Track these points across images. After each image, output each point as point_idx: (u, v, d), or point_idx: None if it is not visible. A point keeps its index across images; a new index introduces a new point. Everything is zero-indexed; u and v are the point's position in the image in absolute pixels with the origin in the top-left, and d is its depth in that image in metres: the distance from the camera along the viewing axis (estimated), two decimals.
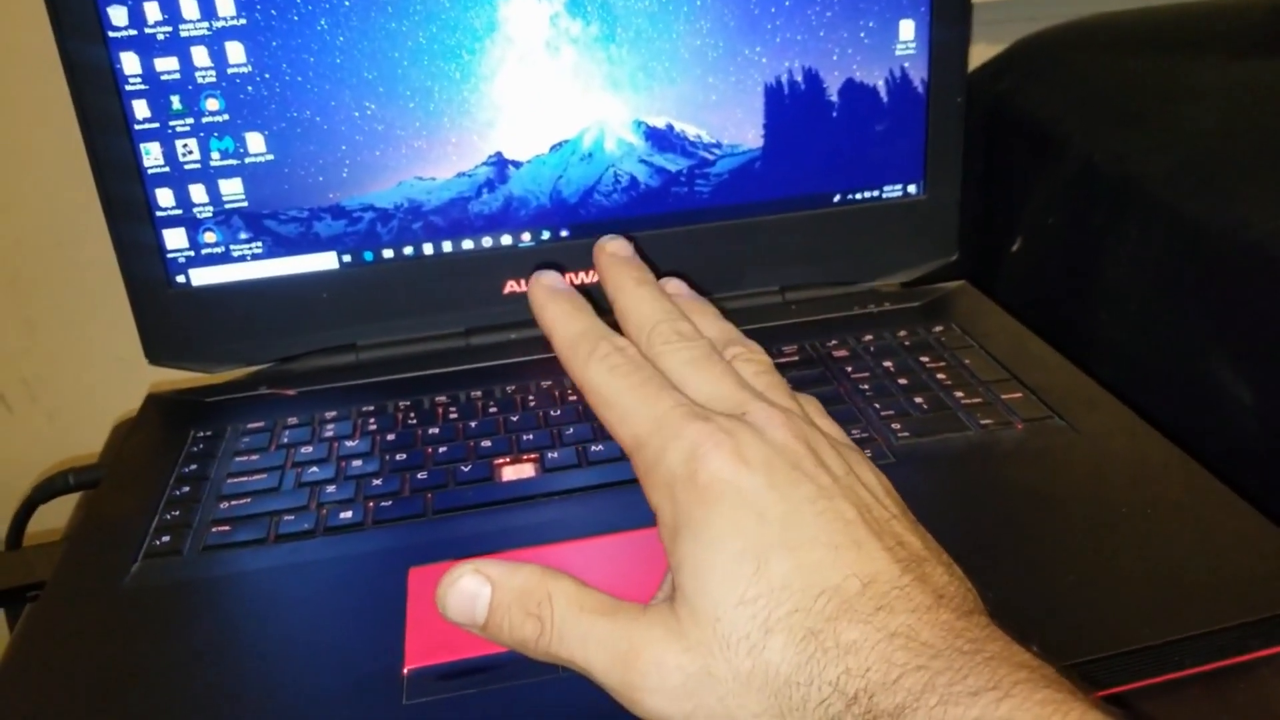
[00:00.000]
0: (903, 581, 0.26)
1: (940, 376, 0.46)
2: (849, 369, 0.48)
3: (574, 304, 0.32)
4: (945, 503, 0.39)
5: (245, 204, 0.49)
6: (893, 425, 0.43)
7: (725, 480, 0.27)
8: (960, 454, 0.41)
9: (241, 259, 0.50)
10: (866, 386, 0.46)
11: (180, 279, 0.50)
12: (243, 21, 0.46)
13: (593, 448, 0.43)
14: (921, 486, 0.39)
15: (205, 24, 0.46)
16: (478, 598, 0.28)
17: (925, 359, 0.48)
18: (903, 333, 0.51)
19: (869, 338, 0.51)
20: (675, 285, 0.36)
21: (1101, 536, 0.36)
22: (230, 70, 0.47)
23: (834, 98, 0.53)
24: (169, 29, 0.46)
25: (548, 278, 0.33)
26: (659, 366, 0.31)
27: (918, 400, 0.45)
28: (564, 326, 0.31)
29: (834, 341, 0.50)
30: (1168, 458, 0.40)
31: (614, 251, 0.34)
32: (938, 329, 0.51)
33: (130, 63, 0.46)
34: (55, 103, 0.53)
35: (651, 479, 0.29)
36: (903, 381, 0.46)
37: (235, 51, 0.46)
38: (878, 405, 0.45)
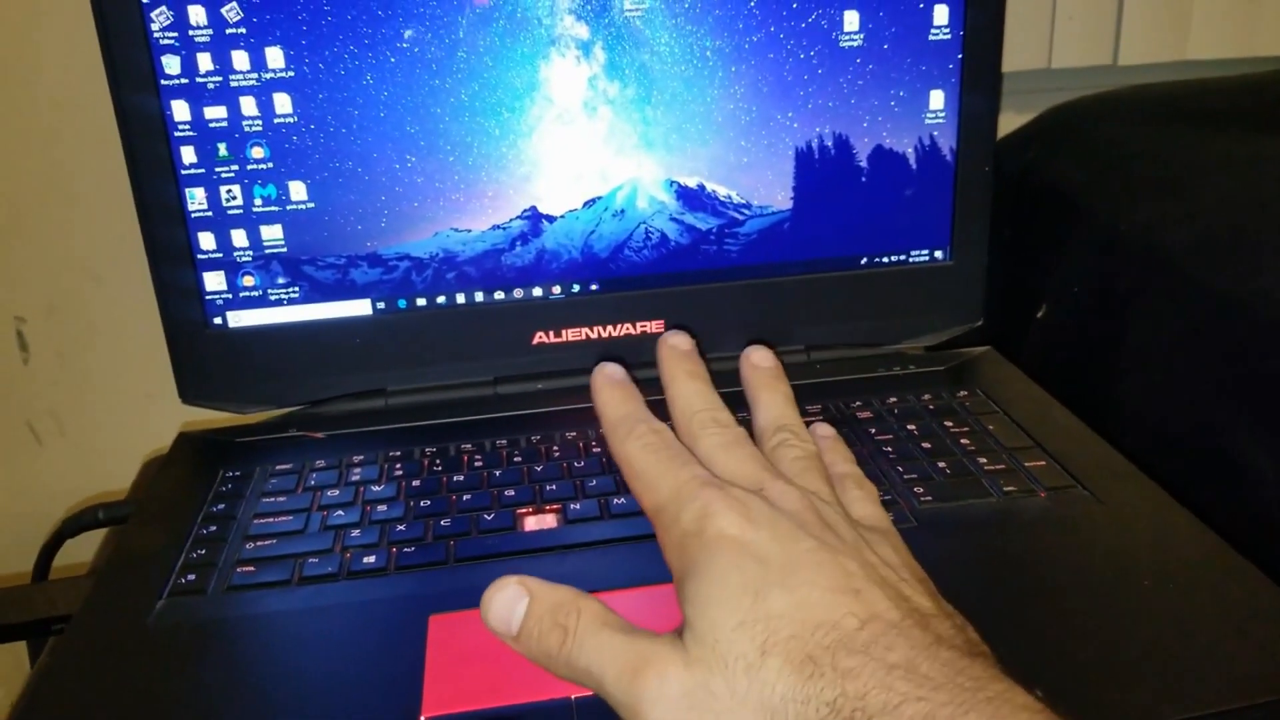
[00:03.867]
0: (903, 624, 0.27)
1: (964, 441, 0.47)
2: (872, 430, 0.48)
3: (625, 392, 0.37)
4: (966, 569, 0.39)
5: (284, 249, 0.50)
6: (915, 489, 0.43)
7: (730, 536, 0.30)
8: (983, 520, 0.41)
9: (278, 303, 0.51)
10: (890, 449, 0.46)
11: (217, 320, 0.51)
12: (291, 74, 0.48)
13: (615, 500, 0.43)
14: (943, 552, 0.39)
15: (255, 75, 0.48)
16: (516, 607, 0.30)
17: (949, 423, 0.48)
18: (927, 396, 0.51)
19: (893, 400, 0.51)
20: (760, 356, 0.40)
21: (1123, 610, 0.36)
22: (277, 120, 0.48)
23: (863, 163, 0.54)
24: (219, 79, 0.47)
25: (609, 368, 0.38)
26: (695, 449, 0.34)
27: (941, 465, 0.45)
28: (613, 409, 0.36)
29: (858, 402, 0.51)
30: (1191, 531, 0.40)
31: (674, 345, 0.38)
32: (962, 394, 0.51)
33: (180, 110, 0.47)
34: (101, 141, 0.55)
35: (667, 539, 0.31)
36: (926, 445, 0.46)
37: (282, 102, 0.48)
38: (900, 468, 0.45)
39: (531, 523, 0.42)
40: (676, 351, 0.38)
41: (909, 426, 0.48)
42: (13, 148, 0.61)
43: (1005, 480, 0.43)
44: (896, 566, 0.30)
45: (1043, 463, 0.45)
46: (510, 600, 0.30)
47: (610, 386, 0.37)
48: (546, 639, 0.30)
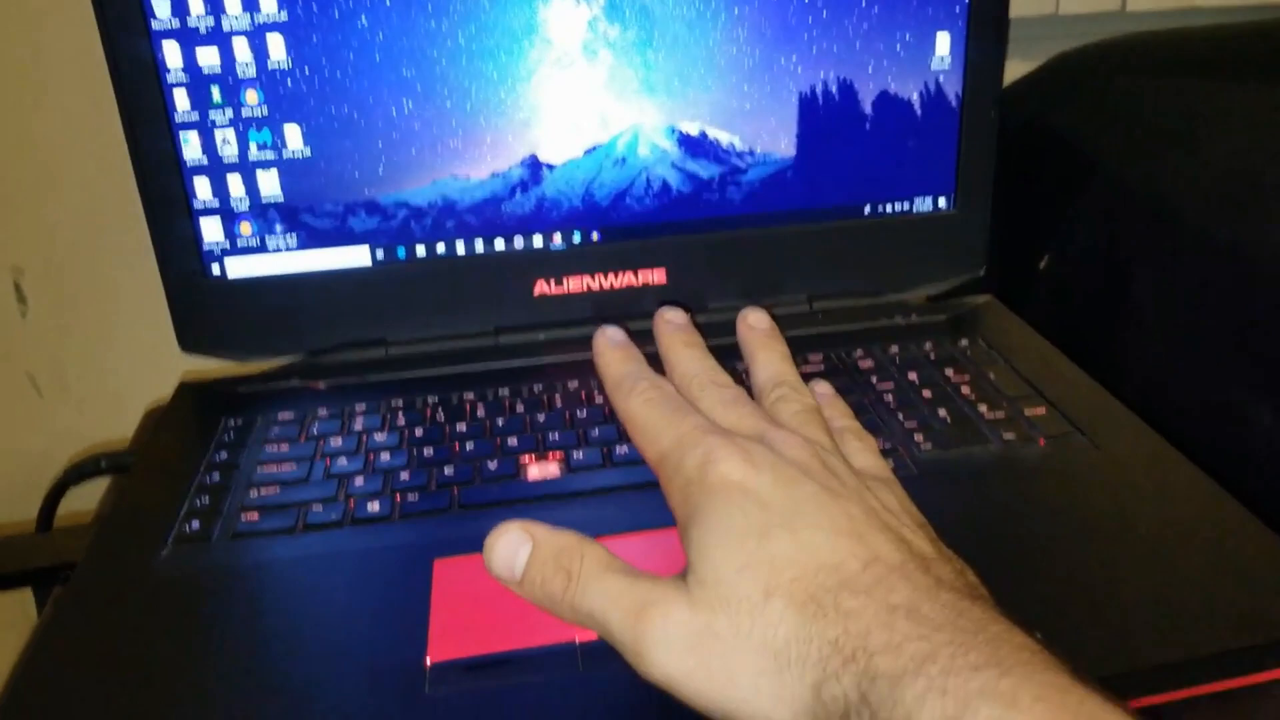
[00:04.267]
0: (905, 566, 0.27)
1: (964, 390, 0.47)
2: (873, 379, 0.48)
3: (627, 352, 0.38)
4: (965, 515, 0.39)
5: (281, 197, 0.50)
6: (915, 437, 0.43)
7: (733, 480, 0.30)
8: (982, 468, 0.42)
9: (276, 251, 0.51)
10: (890, 398, 0.46)
11: (215, 270, 0.50)
12: (284, 16, 0.47)
13: (618, 449, 0.43)
14: (942, 498, 0.39)
15: (247, 17, 0.47)
16: (519, 552, 0.30)
17: (950, 372, 0.48)
18: (928, 345, 0.51)
19: (895, 349, 0.51)
20: (756, 317, 0.41)
21: (1119, 554, 0.36)
22: (270, 64, 0.47)
23: (867, 109, 0.54)
24: (211, 21, 0.47)
25: (610, 331, 0.39)
26: (695, 407, 0.34)
27: (941, 413, 0.45)
28: (615, 368, 0.37)
29: (859, 352, 0.51)
30: (1188, 478, 0.40)
31: (670, 319, 0.40)
32: (963, 343, 0.51)
33: (172, 54, 0.47)
34: (95, 90, 0.54)
35: (671, 486, 0.32)
36: (927, 394, 0.46)
37: (276, 45, 0.47)
38: (901, 416, 0.45)
39: (534, 471, 0.43)
40: (672, 325, 0.40)
41: (910, 375, 0.48)
42: (8, 97, 0.60)
43: (1005, 428, 0.43)
44: (897, 512, 0.31)
45: (1042, 411, 0.45)
46: (513, 545, 0.31)
47: (612, 348, 0.38)
48: (550, 584, 0.30)
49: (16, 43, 0.59)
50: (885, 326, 0.54)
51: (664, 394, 0.35)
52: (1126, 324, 0.55)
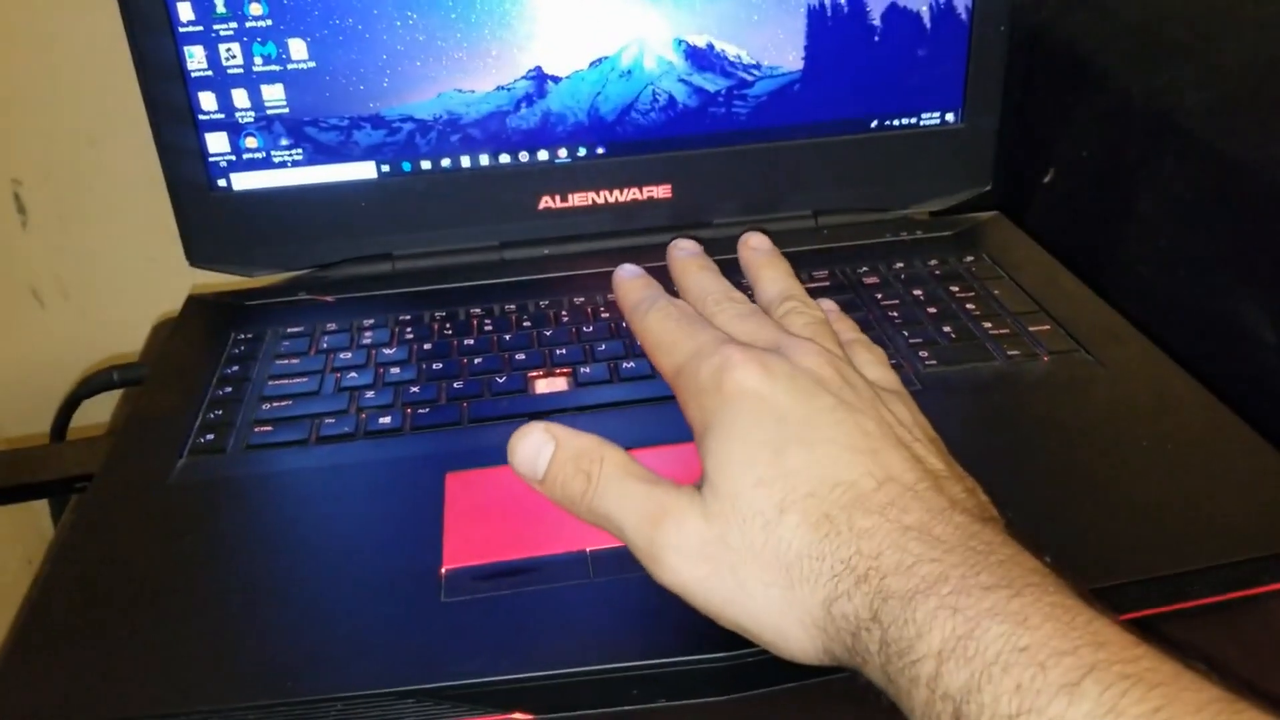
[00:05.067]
0: (918, 486, 0.28)
1: (969, 306, 0.47)
2: (879, 296, 0.48)
3: (645, 280, 0.38)
4: (969, 430, 0.40)
5: (287, 110, 0.49)
6: (920, 353, 0.44)
7: (748, 388, 0.30)
8: (986, 383, 0.42)
9: (282, 165, 0.50)
10: (895, 314, 0.47)
11: (221, 183, 0.50)
12: None
13: (625, 364, 0.44)
14: (947, 414, 0.39)
15: None
16: (541, 452, 0.31)
17: (955, 288, 0.48)
18: (933, 261, 0.51)
19: (900, 265, 0.51)
20: (758, 240, 0.41)
21: (1120, 468, 0.37)
22: None
23: (875, 22, 0.53)
24: None
25: (627, 267, 0.39)
26: (711, 323, 0.35)
27: (946, 329, 0.45)
28: (633, 293, 0.37)
29: (864, 268, 0.51)
30: (1190, 394, 0.41)
31: (684, 247, 0.40)
32: (968, 259, 0.51)
33: None
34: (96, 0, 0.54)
35: (687, 396, 0.32)
36: (932, 310, 0.47)
37: None
38: (906, 333, 0.45)
39: (542, 385, 0.43)
40: (685, 252, 0.40)
41: (915, 292, 0.48)
42: (3, 6, 0.58)
43: (1008, 344, 0.44)
44: (910, 426, 0.31)
45: (1046, 327, 0.45)
46: (536, 446, 0.31)
47: (630, 279, 0.38)
48: (570, 484, 0.30)
49: None
50: (890, 242, 0.54)
51: (680, 310, 0.35)
52: (1131, 237, 0.55)
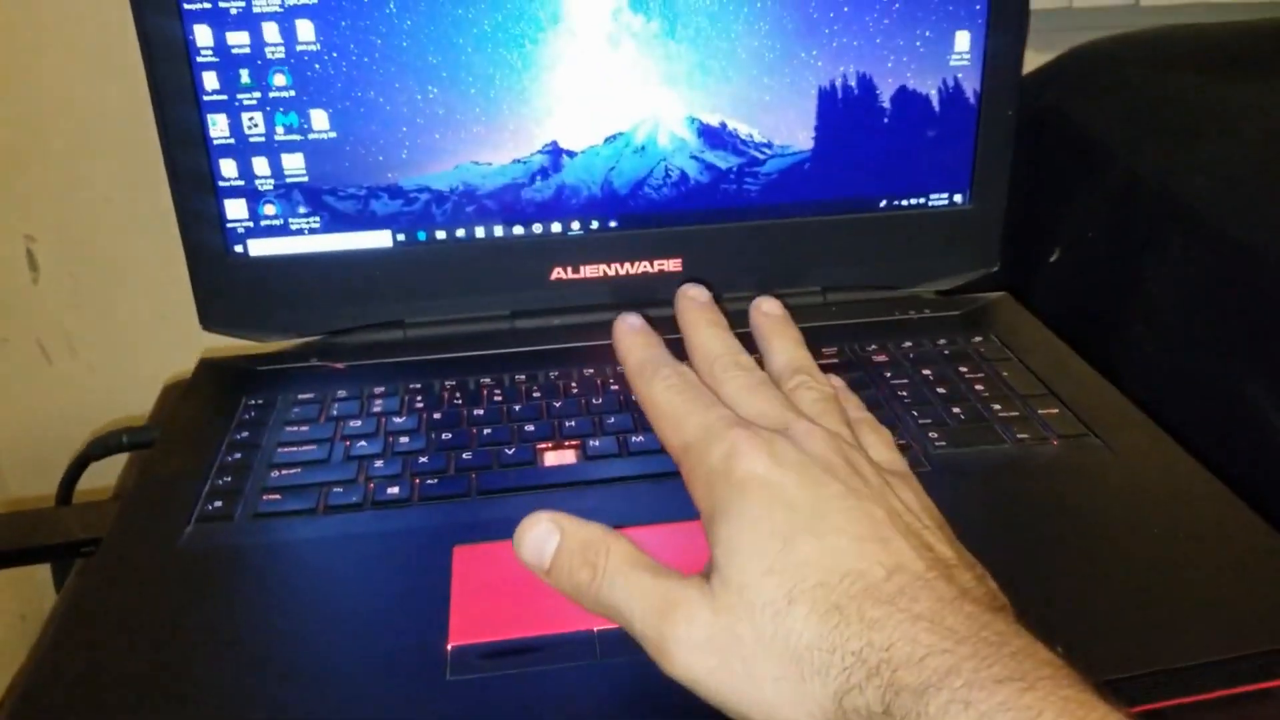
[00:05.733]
0: (928, 575, 0.28)
1: (978, 388, 0.47)
2: (887, 374, 0.48)
3: (648, 338, 0.37)
4: (979, 514, 0.40)
5: (306, 179, 0.50)
6: (930, 434, 0.44)
7: (758, 475, 0.30)
8: (996, 466, 0.42)
9: (299, 232, 0.51)
10: (905, 393, 0.47)
11: (238, 248, 0.51)
12: (314, 0, 0.47)
13: (633, 438, 0.44)
14: (956, 497, 0.39)
15: (278, 1, 0.47)
16: (547, 542, 0.31)
17: (964, 369, 0.49)
18: (942, 341, 0.51)
19: (908, 344, 0.51)
20: (770, 305, 0.40)
21: (1131, 557, 0.37)
22: (299, 47, 0.48)
23: (886, 104, 0.54)
24: (242, 4, 0.47)
25: (630, 318, 0.38)
26: (718, 392, 0.35)
27: (955, 410, 0.45)
28: (636, 354, 0.36)
29: (873, 346, 0.51)
30: (1200, 482, 0.41)
31: (693, 296, 0.40)
32: (977, 339, 0.52)
33: (203, 35, 0.47)
34: (118, 62, 0.55)
35: (695, 478, 0.32)
36: (941, 390, 0.47)
37: (305, 29, 0.47)
38: (915, 413, 0.45)
39: (551, 458, 0.43)
40: (695, 302, 0.39)
41: (924, 371, 0.48)
42: (27, 65, 0.60)
43: (1019, 427, 0.44)
44: (918, 512, 0.31)
45: (1056, 410, 0.45)
46: (542, 536, 0.31)
47: (632, 334, 0.37)
48: (576, 575, 0.30)
49: (45, 8, 0.59)
50: (899, 321, 0.54)
51: (686, 380, 0.35)
52: (1137, 320, 0.55)
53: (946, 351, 0.50)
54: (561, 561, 0.31)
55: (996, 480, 0.41)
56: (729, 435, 0.31)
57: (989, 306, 0.56)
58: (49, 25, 0.59)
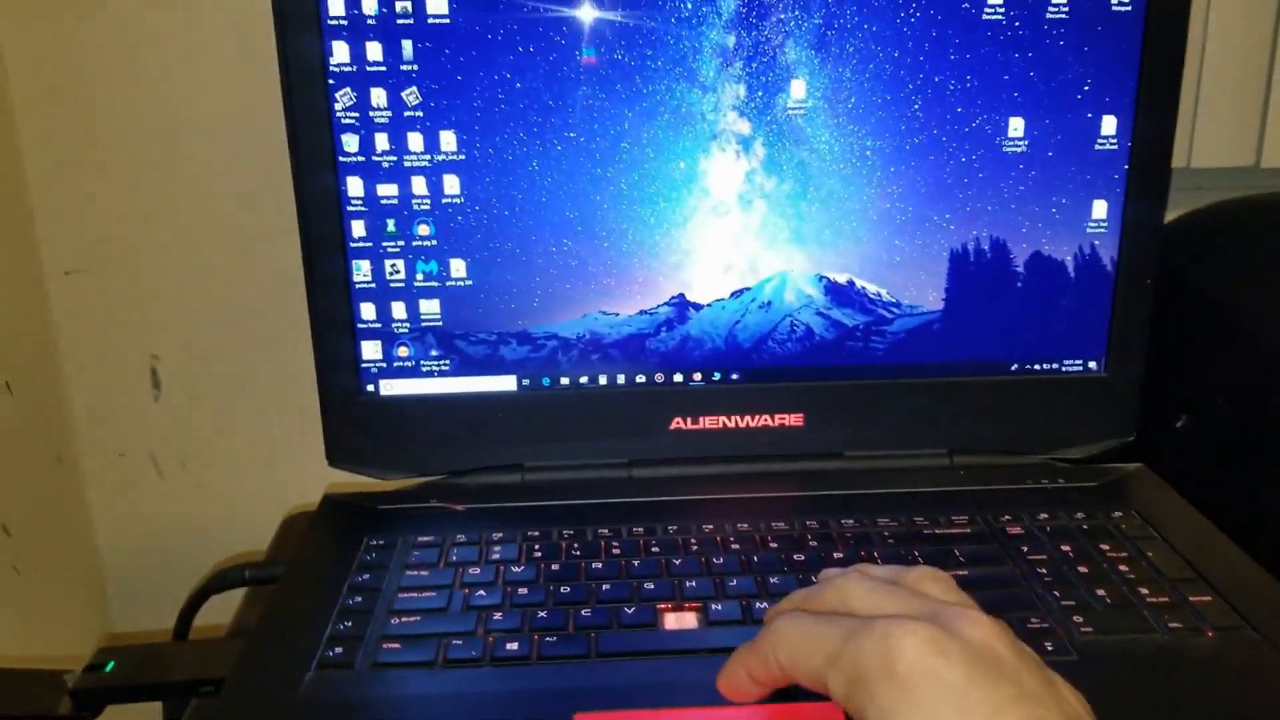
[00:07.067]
0: None
1: (1123, 568, 0.45)
2: (1024, 548, 0.46)
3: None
4: (1131, 711, 0.37)
5: (440, 323, 0.51)
6: (1074, 618, 0.41)
7: (925, 669, 0.27)
8: (1148, 658, 0.39)
9: (429, 374, 0.52)
10: (1044, 570, 0.45)
11: (370, 388, 0.52)
12: (461, 156, 0.49)
13: (758, 604, 0.43)
14: (1106, 690, 0.37)
15: (428, 156, 0.49)
16: None
17: (1105, 547, 0.46)
18: (1080, 514, 0.49)
19: (1044, 516, 0.49)
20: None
21: None
22: (444, 200, 0.50)
23: (1019, 268, 0.53)
24: (394, 158, 0.49)
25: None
26: (849, 607, 0.31)
27: (1100, 592, 0.43)
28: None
29: (1007, 516, 0.49)
30: None
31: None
32: (1117, 514, 0.49)
33: (355, 186, 0.49)
34: (261, 196, 0.58)
35: (847, 691, 0.28)
36: (1083, 570, 0.44)
37: (451, 183, 0.49)
38: (1057, 593, 0.43)
39: (672, 621, 0.42)
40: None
41: (1063, 547, 0.46)
42: (175, 196, 0.63)
43: (1169, 615, 0.41)
44: (1082, 716, 0.29)
45: (1208, 598, 0.43)
46: None
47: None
48: None
49: (193, 141, 0.62)
50: (1032, 490, 0.52)
51: (807, 611, 0.32)
52: (1271, 492, 0.52)
53: (1085, 527, 0.48)
54: None
55: (1149, 674, 0.39)
56: (879, 625, 0.28)
57: (1127, 479, 0.53)
58: (198, 158, 0.62)
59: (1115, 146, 0.52)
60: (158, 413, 0.68)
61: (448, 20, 0.48)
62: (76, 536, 0.69)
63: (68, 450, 0.67)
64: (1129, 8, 0.50)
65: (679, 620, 0.42)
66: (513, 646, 0.40)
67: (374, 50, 0.48)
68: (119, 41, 0.60)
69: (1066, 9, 0.49)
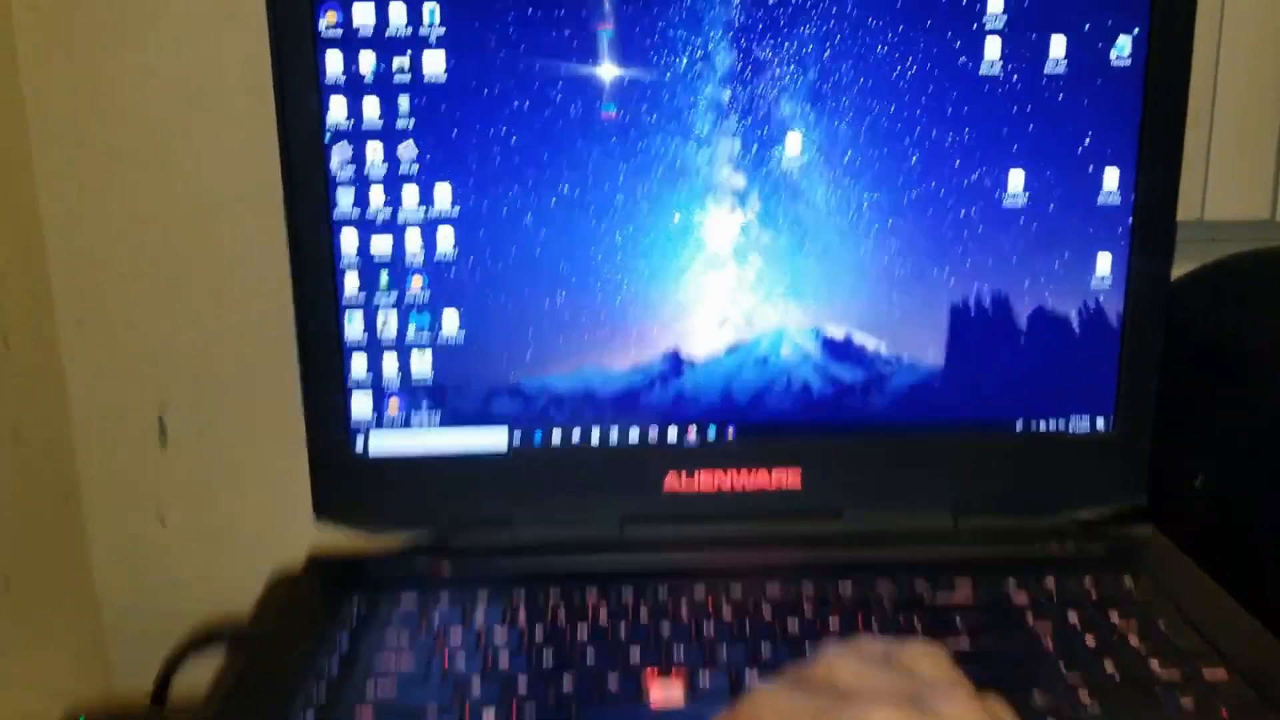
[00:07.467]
0: None
1: (1132, 640, 0.43)
2: (1029, 617, 0.45)
3: None
4: None
5: (431, 378, 0.51)
6: (1080, 693, 0.39)
7: None
8: None
9: (419, 429, 0.51)
10: (1049, 642, 0.43)
11: (360, 443, 0.51)
12: (456, 212, 0.49)
13: (746, 674, 0.41)
14: None
15: (422, 210, 0.49)
16: None
17: (1115, 616, 0.44)
18: (1088, 581, 0.47)
19: (1050, 582, 0.47)
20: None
21: None
22: (438, 254, 0.49)
23: (1022, 325, 0.52)
24: (389, 213, 0.49)
25: None
26: (834, 681, 0.29)
27: (1108, 667, 0.41)
28: None
29: (1012, 582, 0.47)
30: None
31: None
32: (1128, 581, 0.47)
33: (349, 241, 0.49)
34: (258, 252, 0.57)
35: None
36: (1090, 641, 0.43)
37: (445, 237, 0.49)
38: (1063, 665, 0.41)
39: (657, 695, 0.40)
40: None
41: (1070, 617, 0.44)
42: (175, 254, 0.63)
43: (1182, 693, 0.39)
44: None
45: (1223, 674, 0.41)
46: None
47: None
48: None
49: (196, 190, 0.62)
50: (1038, 554, 0.50)
51: (801, 683, 0.30)
52: None
53: (1094, 595, 0.46)
54: None
55: None
56: (850, 708, 0.27)
57: (1137, 544, 0.51)
58: (200, 208, 0.62)
59: (1118, 201, 0.50)
60: (164, 462, 0.68)
61: (445, 78, 0.48)
62: (78, 588, 0.68)
63: (73, 498, 0.66)
64: (1129, 62, 0.49)
65: (664, 694, 0.41)
66: (490, 718, 0.39)
67: (370, 106, 0.48)
68: (130, 107, 0.60)
69: (1065, 63, 0.49)
